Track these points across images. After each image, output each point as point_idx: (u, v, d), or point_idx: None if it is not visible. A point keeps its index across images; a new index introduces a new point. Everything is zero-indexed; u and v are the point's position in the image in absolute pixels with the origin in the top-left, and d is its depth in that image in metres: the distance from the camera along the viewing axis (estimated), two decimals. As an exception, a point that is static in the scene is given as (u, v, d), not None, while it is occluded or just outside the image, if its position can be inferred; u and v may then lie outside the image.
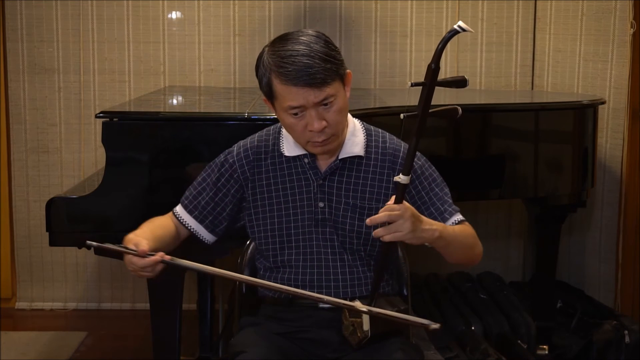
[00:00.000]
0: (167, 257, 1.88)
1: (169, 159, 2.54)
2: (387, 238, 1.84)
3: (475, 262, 2.11)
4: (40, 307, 4.20)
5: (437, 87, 1.75)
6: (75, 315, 4.14)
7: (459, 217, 2.09)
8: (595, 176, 3.57)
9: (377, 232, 1.85)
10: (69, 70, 4.07)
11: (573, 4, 3.93)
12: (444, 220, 2.06)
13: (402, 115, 1.77)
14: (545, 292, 3.60)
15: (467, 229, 2.07)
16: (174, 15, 4.07)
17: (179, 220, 2.16)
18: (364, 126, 2.12)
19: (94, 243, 1.89)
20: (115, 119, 2.57)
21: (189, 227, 2.16)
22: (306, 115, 1.94)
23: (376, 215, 1.84)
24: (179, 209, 2.18)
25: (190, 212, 2.16)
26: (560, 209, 3.48)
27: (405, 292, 2.23)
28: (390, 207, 1.83)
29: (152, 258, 1.86)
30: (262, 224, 2.09)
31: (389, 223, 1.83)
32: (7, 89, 4.08)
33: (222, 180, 2.12)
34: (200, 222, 2.15)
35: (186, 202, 2.17)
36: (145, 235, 1.97)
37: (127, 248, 1.89)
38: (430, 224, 1.91)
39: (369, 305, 1.93)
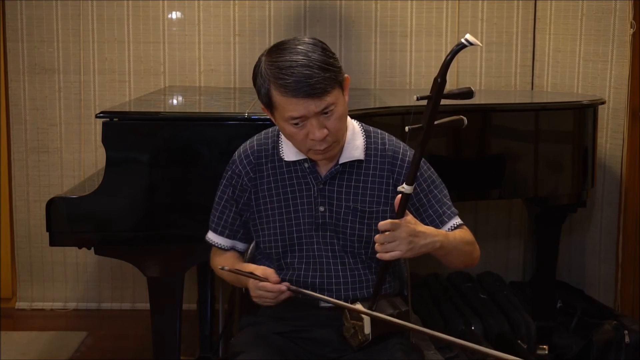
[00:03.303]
0: (293, 287, 1.96)
1: (169, 159, 2.54)
2: (385, 257, 1.86)
3: (472, 266, 2.12)
4: (41, 307, 4.20)
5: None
6: (75, 315, 4.14)
7: (457, 220, 2.08)
8: (595, 176, 3.57)
9: (377, 254, 1.87)
10: (69, 70, 4.06)
11: (573, 4, 3.93)
12: (442, 223, 2.06)
13: (407, 128, 1.76)
14: (545, 292, 3.60)
15: (466, 234, 2.06)
16: (174, 15, 4.06)
17: (215, 246, 2.18)
18: (363, 128, 2.11)
19: (226, 267, 1.99)
20: (115, 119, 2.57)
21: (225, 248, 2.17)
22: (307, 124, 1.92)
23: (376, 237, 1.86)
24: (211, 236, 2.18)
25: (221, 234, 2.16)
26: (560, 209, 3.48)
27: (405, 292, 2.23)
28: (386, 226, 1.84)
29: (278, 286, 1.94)
30: (264, 228, 2.09)
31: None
32: (7, 89, 4.08)
33: (237, 192, 2.11)
34: (234, 238, 2.16)
35: (214, 225, 2.18)
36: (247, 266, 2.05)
37: (254, 275, 1.96)
38: (430, 237, 1.90)
39: (370, 308, 1.93)
